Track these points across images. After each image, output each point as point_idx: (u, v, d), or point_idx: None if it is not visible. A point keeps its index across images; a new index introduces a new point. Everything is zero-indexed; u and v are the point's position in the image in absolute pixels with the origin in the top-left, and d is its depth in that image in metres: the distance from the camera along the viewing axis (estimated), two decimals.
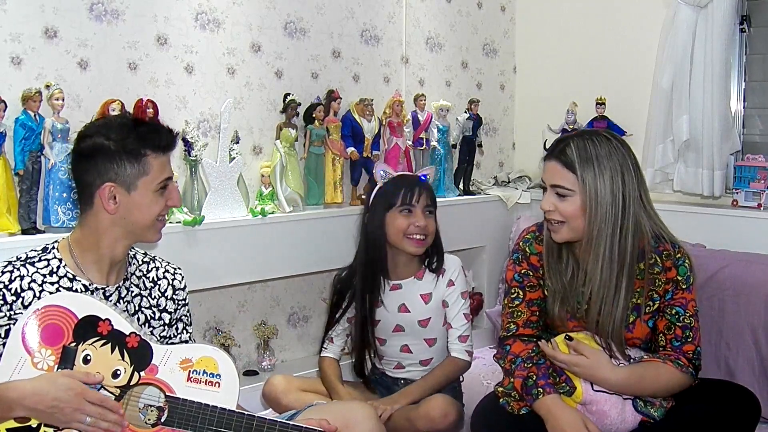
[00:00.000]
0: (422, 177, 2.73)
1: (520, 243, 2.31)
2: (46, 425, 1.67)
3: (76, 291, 1.81)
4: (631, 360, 2.15)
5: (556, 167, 2.13)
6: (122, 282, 1.91)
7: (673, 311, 2.16)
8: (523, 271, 2.27)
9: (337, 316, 2.74)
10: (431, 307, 2.65)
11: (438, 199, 3.37)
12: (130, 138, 1.80)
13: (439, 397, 2.48)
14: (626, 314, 2.14)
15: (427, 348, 2.68)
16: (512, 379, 2.16)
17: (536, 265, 2.26)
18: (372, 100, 3.22)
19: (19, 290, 1.76)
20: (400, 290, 2.66)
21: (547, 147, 3.57)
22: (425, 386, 2.58)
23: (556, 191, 2.13)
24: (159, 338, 1.97)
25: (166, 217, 1.93)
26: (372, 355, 2.75)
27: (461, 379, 2.75)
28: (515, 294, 2.27)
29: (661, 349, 2.17)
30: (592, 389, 2.10)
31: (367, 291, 2.65)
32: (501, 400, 2.18)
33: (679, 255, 2.18)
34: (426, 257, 2.70)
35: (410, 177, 2.73)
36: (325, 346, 2.76)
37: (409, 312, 2.65)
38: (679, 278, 2.17)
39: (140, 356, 1.74)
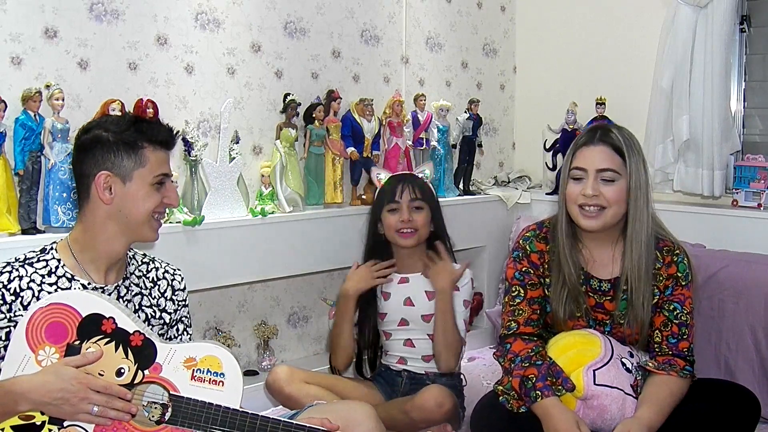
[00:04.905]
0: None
1: (521, 241, 2.31)
2: (50, 423, 1.67)
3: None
4: (635, 364, 2.16)
5: (605, 151, 2.14)
6: (121, 281, 1.90)
7: (671, 307, 2.18)
8: (523, 269, 2.27)
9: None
10: (434, 304, 2.67)
11: (438, 199, 3.40)
12: (128, 131, 1.83)
13: (434, 388, 2.51)
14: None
15: (431, 344, 2.69)
16: (511, 378, 2.17)
17: (537, 263, 2.27)
18: (372, 100, 3.22)
19: (18, 290, 1.76)
20: (407, 284, 2.73)
21: (548, 147, 3.63)
22: None
23: (602, 176, 2.13)
24: (157, 336, 1.96)
25: (165, 216, 1.94)
26: (370, 353, 2.80)
27: (464, 383, 2.77)
28: (516, 292, 2.27)
29: (656, 345, 2.19)
30: (594, 384, 2.10)
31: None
32: (501, 398, 2.18)
33: (678, 251, 2.20)
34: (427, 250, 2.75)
35: (399, 175, 2.84)
36: None
37: (414, 306, 2.70)
38: (679, 275, 2.19)
39: (144, 355, 1.74)
